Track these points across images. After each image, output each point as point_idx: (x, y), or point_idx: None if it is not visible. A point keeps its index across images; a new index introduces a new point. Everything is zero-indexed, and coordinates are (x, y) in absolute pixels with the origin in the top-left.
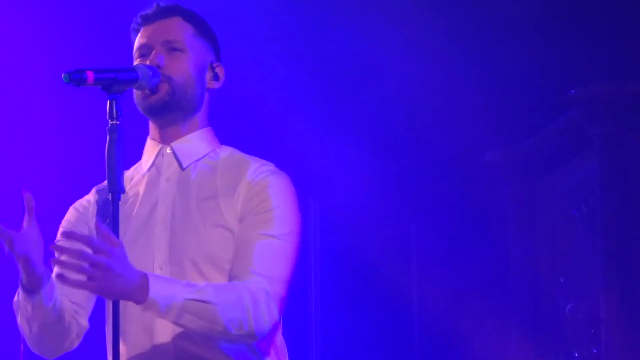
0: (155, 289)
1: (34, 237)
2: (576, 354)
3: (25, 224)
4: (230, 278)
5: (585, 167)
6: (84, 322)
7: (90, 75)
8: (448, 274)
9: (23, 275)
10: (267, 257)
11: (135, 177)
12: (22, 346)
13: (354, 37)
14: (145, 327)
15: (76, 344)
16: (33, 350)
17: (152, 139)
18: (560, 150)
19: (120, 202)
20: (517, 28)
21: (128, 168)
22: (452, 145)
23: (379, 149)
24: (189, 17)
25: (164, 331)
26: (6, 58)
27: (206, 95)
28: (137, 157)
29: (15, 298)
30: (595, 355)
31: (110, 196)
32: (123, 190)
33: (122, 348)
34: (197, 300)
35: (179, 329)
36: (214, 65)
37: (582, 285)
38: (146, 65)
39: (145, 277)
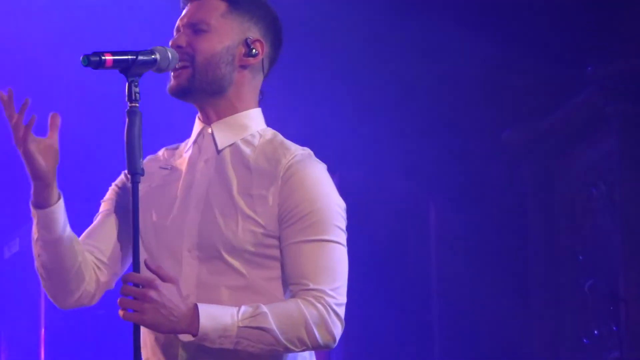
0: (207, 318)
1: (51, 148)
2: (595, 332)
3: (47, 136)
4: (289, 289)
5: (603, 144)
6: (105, 278)
7: (108, 57)
8: (467, 253)
9: (32, 186)
10: (324, 266)
11: (182, 153)
12: (42, 330)
13: (372, 18)
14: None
15: (94, 300)
16: (48, 295)
17: (199, 118)
18: (578, 128)
19: (161, 178)
20: (533, 5)
21: (149, 151)
22: (470, 124)
23: (398, 128)
24: None
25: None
26: (27, 43)
27: (242, 72)
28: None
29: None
30: (614, 332)
31: (129, 178)
32: (142, 173)
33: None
34: (253, 327)
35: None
36: (250, 40)
37: (601, 263)
38: (165, 48)
39: (194, 310)
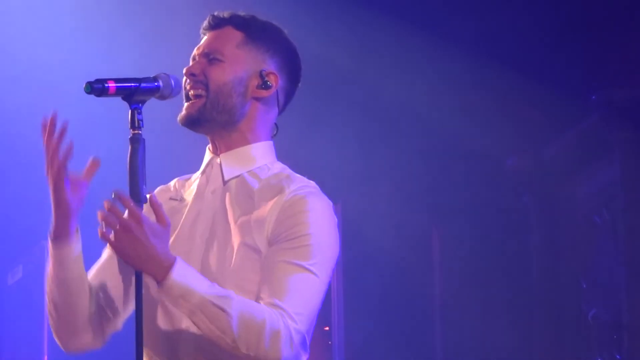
0: (179, 274)
1: (82, 186)
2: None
3: (80, 176)
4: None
5: (606, 172)
6: (111, 329)
7: (111, 85)
8: (470, 279)
9: (53, 218)
10: (295, 290)
11: (192, 184)
12: (45, 358)
13: (375, 48)
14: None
15: (99, 343)
16: (54, 335)
17: (209, 149)
18: (581, 155)
19: (170, 209)
20: (539, 34)
21: (153, 179)
22: (474, 151)
23: (403, 156)
24: (243, 24)
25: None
26: (33, 67)
27: (254, 104)
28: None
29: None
30: None
31: (170, 203)
32: (145, 200)
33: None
34: (214, 304)
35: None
36: (265, 72)
37: (605, 290)
38: (168, 75)
39: (173, 260)
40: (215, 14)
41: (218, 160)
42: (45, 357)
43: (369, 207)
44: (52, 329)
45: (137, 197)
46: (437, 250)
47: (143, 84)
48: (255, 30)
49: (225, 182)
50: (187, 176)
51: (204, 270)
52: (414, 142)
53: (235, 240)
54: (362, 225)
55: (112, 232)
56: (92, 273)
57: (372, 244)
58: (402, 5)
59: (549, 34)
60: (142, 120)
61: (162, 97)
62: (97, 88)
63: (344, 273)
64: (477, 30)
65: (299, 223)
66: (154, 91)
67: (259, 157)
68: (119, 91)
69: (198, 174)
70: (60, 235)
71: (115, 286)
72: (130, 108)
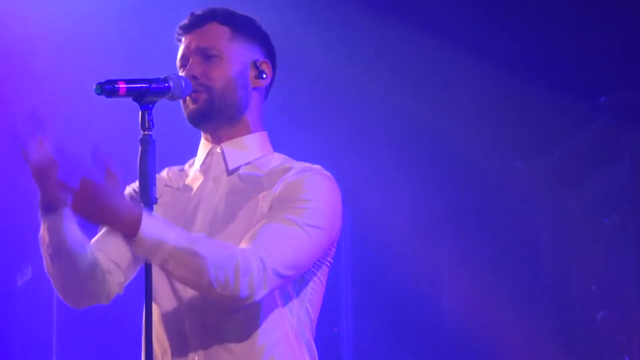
0: (147, 227)
1: (46, 158)
2: None
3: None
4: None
5: (616, 174)
6: (116, 282)
7: (122, 86)
8: (480, 280)
9: (40, 194)
10: (278, 237)
11: (188, 173)
12: (54, 358)
13: (384, 52)
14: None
15: (106, 300)
16: (59, 294)
17: (205, 139)
18: (591, 158)
19: (167, 197)
20: (547, 36)
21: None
22: (483, 154)
23: (413, 158)
24: (227, 19)
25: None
26: (41, 69)
27: (254, 94)
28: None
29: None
30: None
31: (168, 191)
32: (155, 201)
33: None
34: (186, 249)
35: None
36: (258, 62)
37: (614, 293)
38: (178, 76)
39: (140, 214)
40: (196, 12)
41: (219, 149)
42: (54, 358)
43: (379, 210)
44: (56, 290)
45: (148, 197)
46: (447, 252)
47: (153, 85)
48: (239, 23)
49: (229, 171)
50: (178, 166)
51: None
52: (425, 145)
53: (247, 226)
54: (371, 227)
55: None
56: (94, 241)
57: (382, 246)
58: (413, 8)
59: (558, 36)
60: (152, 121)
61: (173, 98)
62: (107, 89)
63: (353, 275)
64: (487, 34)
65: (300, 190)
66: (164, 92)
67: (258, 146)
68: (130, 92)
69: (194, 163)
70: (47, 203)
71: (119, 254)
72: (141, 109)
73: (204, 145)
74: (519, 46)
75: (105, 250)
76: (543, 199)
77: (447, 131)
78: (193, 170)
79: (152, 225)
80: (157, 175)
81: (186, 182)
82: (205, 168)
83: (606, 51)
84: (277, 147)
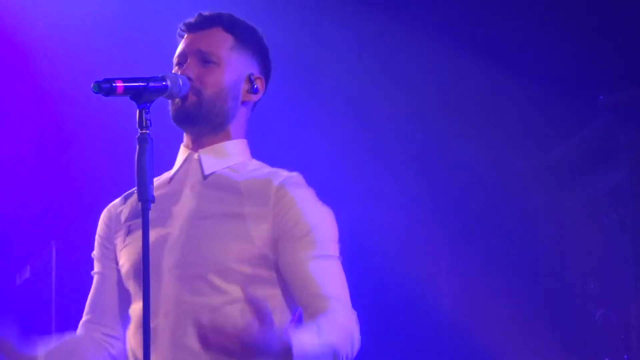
0: None
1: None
2: None
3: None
4: (302, 306)
5: (615, 173)
6: (118, 347)
7: (119, 84)
8: (478, 281)
9: None
10: (327, 278)
11: (167, 182)
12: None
13: (376, 51)
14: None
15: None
16: None
17: (185, 145)
18: (589, 157)
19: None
20: (546, 35)
21: (159, 175)
22: (480, 154)
23: (409, 161)
24: (232, 27)
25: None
26: (39, 67)
27: (242, 108)
28: (170, 165)
29: None
30: None
31: (140, 205)
32: (153, 200)
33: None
34: None
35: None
36: (253, 77)
37: (613, 291)
38: (176, 75)
39: None
40: (204, 13)
41: (196, 155)
42: None
43: (379, 210)
44: None
45: (145, 196)
46: (446, 254)
47: (151, 84)
48: (243, 34)
49: (205, 176)
50: (156, 177)
51: (186, 260)
52: (421, 146)
53: (228, 233)
54: (369, 234)
55: None
56: (87, 309)
57: (380, 247)
58: (411, 8)
59: (556, 35)
60: (149, 120)
61: (170, 97)
62: (105, 88)
63: (352, 275)
64: (484, 34)
65: (298, 221)
66: (162, 91)
67: (236, 153)
68: (127, 91)
69: (174, 169)
70: None
71: (114, 318)
72: (138, 108)
73: (182, 152)
74: (517, 46)
75: (102, 324)
76: (542, 198)
77: (445, 131)
78: (172, 176)
79: None
80: (128, 194)
81: (167, 190)
82: (183, 174)
83: (605, 51)
84: (265, 153)
